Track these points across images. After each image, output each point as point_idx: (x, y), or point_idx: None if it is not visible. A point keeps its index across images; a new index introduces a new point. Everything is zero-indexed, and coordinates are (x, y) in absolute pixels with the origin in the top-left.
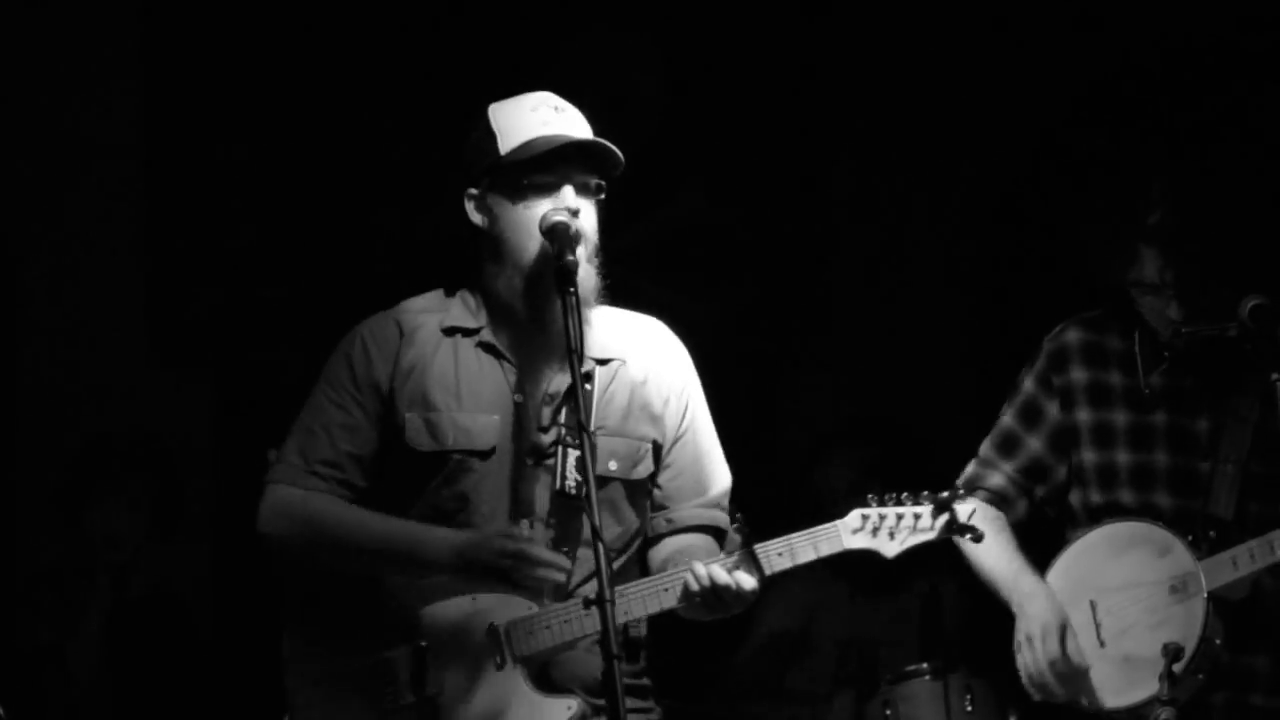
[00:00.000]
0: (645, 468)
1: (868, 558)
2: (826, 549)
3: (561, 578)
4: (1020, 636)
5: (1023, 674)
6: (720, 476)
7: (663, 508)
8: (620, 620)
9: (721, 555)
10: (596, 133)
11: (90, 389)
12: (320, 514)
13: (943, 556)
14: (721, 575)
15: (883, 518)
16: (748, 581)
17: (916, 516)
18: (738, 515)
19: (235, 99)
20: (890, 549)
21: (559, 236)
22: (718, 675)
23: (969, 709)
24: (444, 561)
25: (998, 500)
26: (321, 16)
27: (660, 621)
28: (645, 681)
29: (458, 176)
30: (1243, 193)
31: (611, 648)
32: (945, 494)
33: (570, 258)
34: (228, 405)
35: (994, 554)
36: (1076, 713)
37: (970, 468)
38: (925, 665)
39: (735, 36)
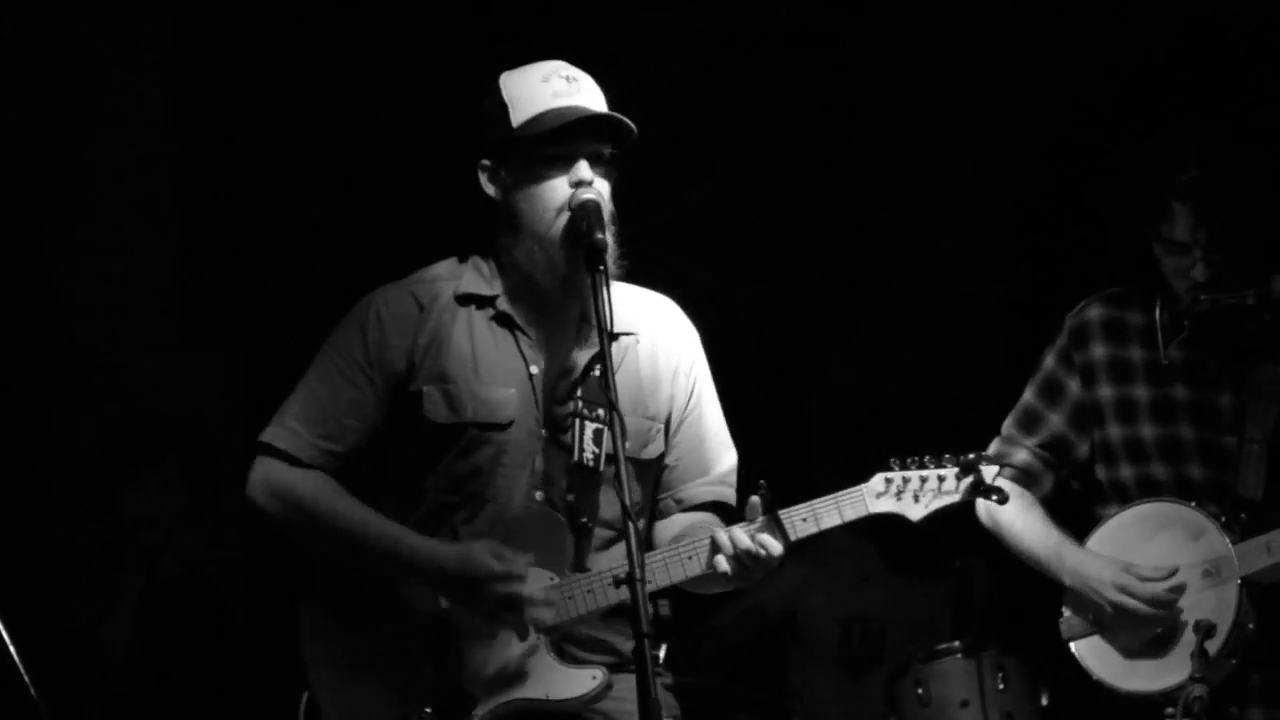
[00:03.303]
0: (656, 447)
1: (897, 530)
2: (851, 513)
3: (551, 618)
4: (1110, 595)
5: (1120, 621)
6: (726, 455)
7: (670, 488)
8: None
9: (745, 522)
10: (624, 109)
11: (123, 369)
12: (312, 498)
13: (973, 535)
14: (744, 540)
15: (906, 480)
16: (774, 546)
17: (941, 479)
18: (760, 482)
19: (268, 79)
20: (915, 512)
21: (589, 213)
22: (694, 646)
23: (1001, 687)
24: (425, 579)
25: (1023, 477)
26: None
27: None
28: (669, 681)
29: (471, 146)
30: (1274, 157)
31: (643, 626)
32: (970, 456)
33: (600, 235)
34: (261, 386)
35: (1030, 531)
36: (1110, 694)
37: (994, 446)
38: (957, 643)
39: (766, 12)
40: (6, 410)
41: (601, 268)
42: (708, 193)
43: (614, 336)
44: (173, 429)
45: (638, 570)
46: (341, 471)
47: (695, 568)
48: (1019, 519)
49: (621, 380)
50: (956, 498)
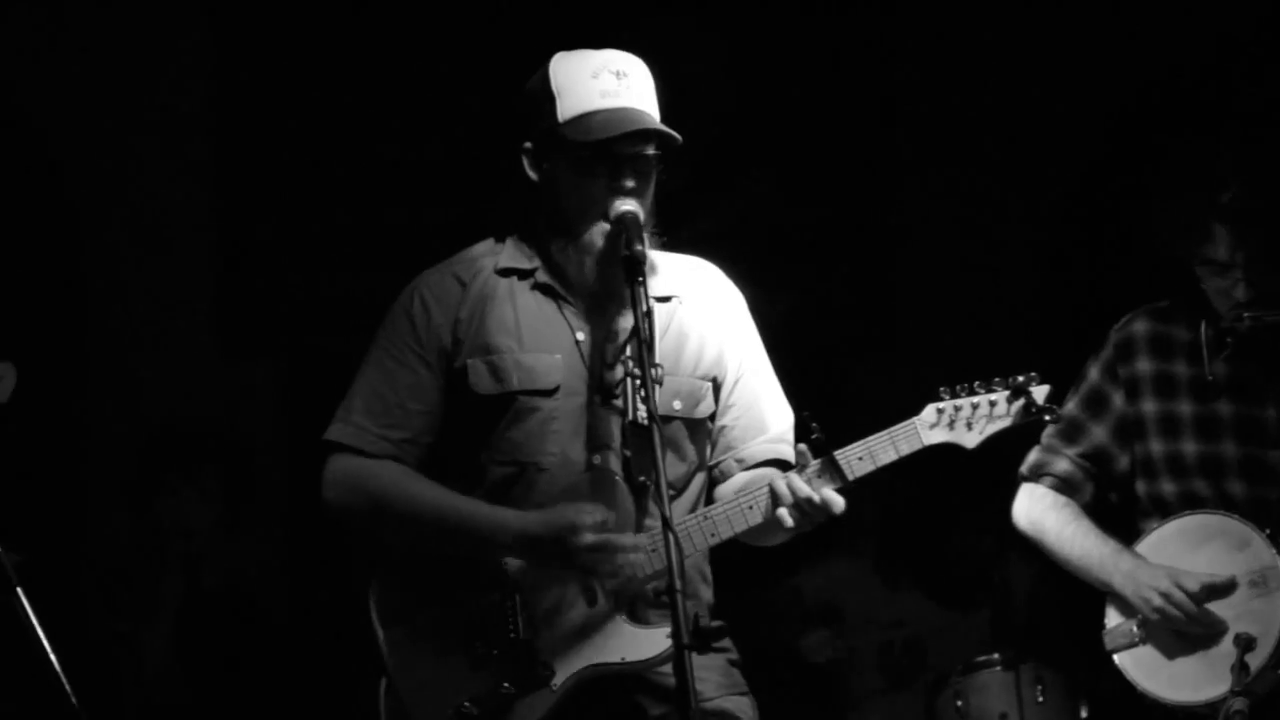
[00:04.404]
0: (707, 406)
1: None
2: (906, 447)
3: (644, 560)
4: (1155, 602)
5: (1161, 630)
6: (783, 413)
7: (730, 448)
8: (710, 543)
9: (800, 468)
10: (663, 114)
11: (161, 380)
12: (388, 487)
13: (1014, 547)
14: (802, 487)
15: (958, 409)
16: (831, 490)
17: (992, 404)
18: (813, 425)
19: (306, 88)
20: (970, 440)
21: (628, 226)
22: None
23: (1040, 700)
24: (513, 548)
25: (1064, 486)
26: (394, 4)
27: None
28: (734, 656)
29: (516, 122)
30: None
31: (682, 637)
32: (1020, 378)
33: (639, 247)
34: (297, 396)
35: (1081, 539)
36: (1151, 706)
37: (1034, 454)
38: (996, 656)
39: (801, 21)
40: (46, 419)
41: (640, 279)
42: (743, 205)
43: (661, 299)
44: (210, 439)
45: (677, 582)
46: (412, 459)
47: (756, 517)
48: (1068, 526)
49: (669, 342)
50: (1009, 421)
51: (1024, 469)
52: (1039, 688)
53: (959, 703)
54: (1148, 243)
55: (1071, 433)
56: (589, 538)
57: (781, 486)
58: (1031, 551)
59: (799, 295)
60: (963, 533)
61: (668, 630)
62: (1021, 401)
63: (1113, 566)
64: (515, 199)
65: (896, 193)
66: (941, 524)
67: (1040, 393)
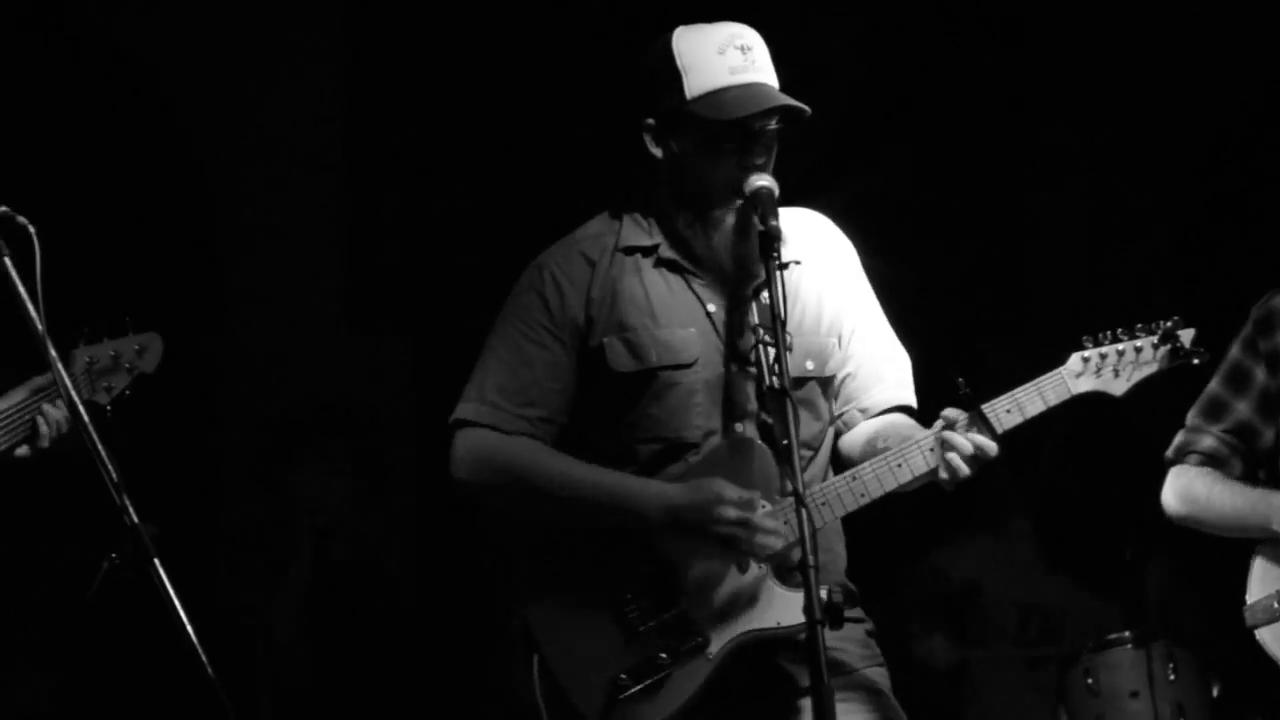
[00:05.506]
0: (837, 363)
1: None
2: (1054, 397)
3: (780, 544)
4: None
5: None
6: (901, 358)
7: (852, 399)
8: (860, 503)
9: (946, 421)
10: (789, 95)
11: (292, 355)
12: (524, 462)
13: (1147, 526)
14: (960, 440)
15: (1104, 357)
16: (982, 442)
17: (1138, 350)
18: (959, 380)
19: (437, 63)
20: (1118, 387)
21: (763, 201)
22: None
23: (1172, 678)
24: (656, 518)
25: (1211, 461)
26: None
27: None
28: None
29: (634, 98)
30: None
31: (815, 613)
32: (1166, 322)
33: (774, 223)
34: (427, 371)
35: (1231, 493)
36: None
37: (1179, 436)
38: (1128, 633)
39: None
40: (179, 394)
41: (776, 255)
42: (873, 180)
43: (783, 266)
44: (341, 414)
45: (810, 558)
46: (547, 437)
47: (905, 475)
48: (1217, 484)
49: (797, 304)
50: (1156, 366)
51: (1169, 453)
52: (1170, 666)
53: (1090, 680)
54: None
55: (1215, 410)
56: (732, 512)
57: (931, 442)
58: (1167, 531)
59: (929, 273)
60: (1110, 517)
61: (820, 593)
62: (1169, 346)
63: (1266, 506)
64: (631, 173)
65: (1028, 169)
66: (1090, 507)
67: (1187, 335)
